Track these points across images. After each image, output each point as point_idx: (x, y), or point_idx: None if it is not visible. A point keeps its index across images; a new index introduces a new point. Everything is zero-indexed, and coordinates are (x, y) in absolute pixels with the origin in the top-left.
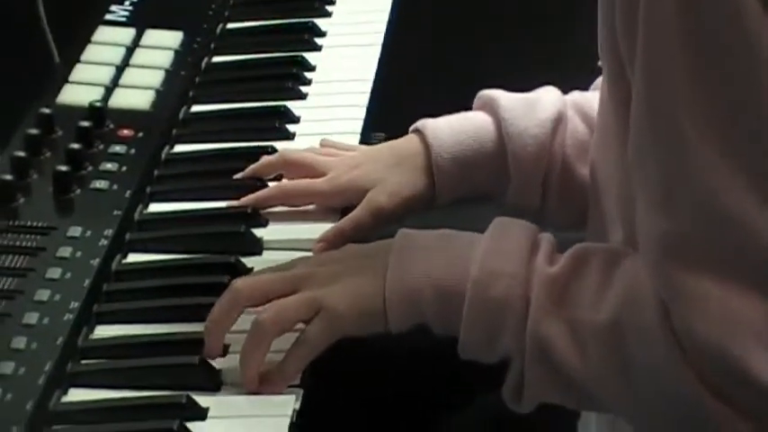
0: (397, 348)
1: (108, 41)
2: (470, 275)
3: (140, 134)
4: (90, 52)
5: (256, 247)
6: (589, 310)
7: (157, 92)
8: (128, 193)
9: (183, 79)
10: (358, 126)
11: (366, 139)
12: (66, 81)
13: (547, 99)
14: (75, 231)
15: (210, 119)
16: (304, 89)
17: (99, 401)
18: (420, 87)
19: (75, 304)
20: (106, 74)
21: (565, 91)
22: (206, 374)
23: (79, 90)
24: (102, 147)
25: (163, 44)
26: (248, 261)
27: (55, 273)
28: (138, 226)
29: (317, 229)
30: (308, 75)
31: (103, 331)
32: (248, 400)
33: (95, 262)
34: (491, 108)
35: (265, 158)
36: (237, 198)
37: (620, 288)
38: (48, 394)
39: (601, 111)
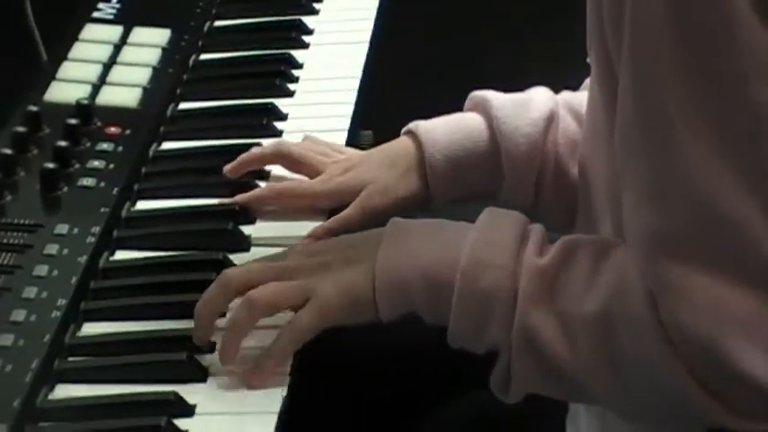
0: (387, 344)
1: (95, 39)
2: (459, 266)
3: (128, 131)
4: (77, 50)
5: (244, 244)
6: (578, 302)
7: (145, 89)
8: (115, 191)
9: (170, 77)
10: (345, 123)
11: (353, 136)
12: (54, 79)
13: (538, 98)
14: (63, 229)
15: (198, 116)
16: (291, 87)
17: (86, 398)
18: (407, 85)
19: (62, 301)
20: (94, 71)
21: (558, 91)
22: (194, 371)
23: (67, 88)
24: (89, 144)
25: (150, 42)
26: (236, 258)
27: (42, 270)
28: (125, 223)
29: (304, 227)
30: (295, 72)
31: (91, 328)
32: (236, 397)
33: (83, 259)
34: (483, 108)
35: (258, 149)
36: (225, 195)
37: (608, 279)
38: (35, 391)
39: (589, 108)
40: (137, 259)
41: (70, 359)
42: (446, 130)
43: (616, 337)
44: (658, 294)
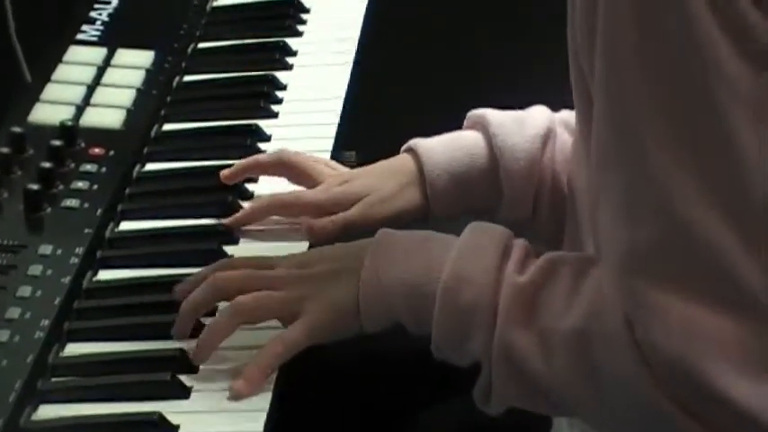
0: (375, 350)
1: (79, 61)
2: (441, 280)
3: (112, 153)
4: (61, 71)
5: None
6: (557, 319)
7: (129, 111)
8: (99, 212)
9: (154, 98)
10: (329, 144)
11: (336, 157)
12: (38, 100)
13: (536, 116)
14: (46, 249)
15: (182, 137)
16: (275, 108)
17: (70, 418)
18: (391, 106)
19: (45, 322)
20: (78, 93)
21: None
22: (177, 391)
23: (51, 109)
24: (73, 165)
25: (134, 63)
26: None
27: (26, 291)
28: (109, 244)
29: (288, 247)
30: (279, 94)
31: (74, 348)
32: (219, 417)
33: (66, 280)
34: (481, 126)
35: (258, 156)
36: (209, 216)
37: (587, 297)
38: (18, 411)
39: (575, 126)
40: (120, 280)
41: (54, 379)
42: (446, 148)
43: (593, 354)
44: (633, 314)
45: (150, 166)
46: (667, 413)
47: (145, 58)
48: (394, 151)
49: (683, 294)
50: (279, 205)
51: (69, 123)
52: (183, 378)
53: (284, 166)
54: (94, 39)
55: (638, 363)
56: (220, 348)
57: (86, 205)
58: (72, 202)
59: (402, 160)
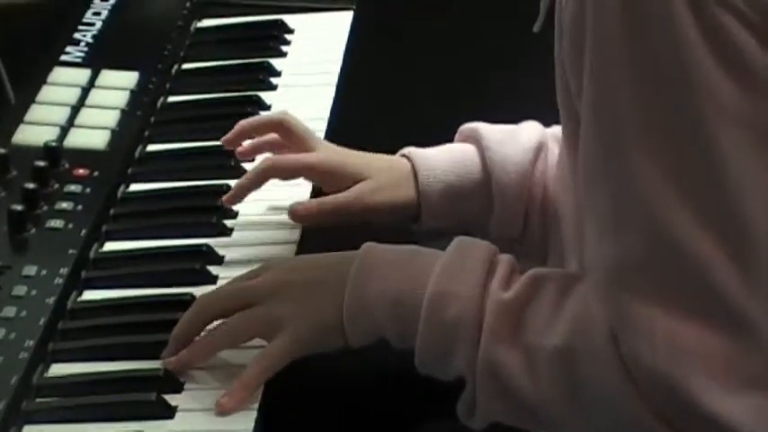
0: (361, 367)
1: (64, 82)
2: (426, 295)
3: (96, 173)
4: (45, 93)
5: (212, 283)
6: (541, 336)
7: (113, 132)
8: (83, 232)
9: (138, 119)
10: None
11: None
12: (22, 121)
13: (528, 130)
14: (31, 270)
15: (166, 158)
16: None
17: None
18: (376, 127)
19: (30, 342)
20: (62, 114)
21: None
22: (162, 411)
23: (35, 130)
24: (57, 186)
25: (118, 84)
26: None
27: (10, 311)
28: (93, 264)
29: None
30: (263, 114)
31: (59, 369)
32: None
33: (51, 300)
34: (474, 139)
35: (261, 116)
36: (194, 236)
37: (571, 314)
38: None
39: (561, 145)
40: (104, 300)
41: (38, 400)
42: (440, 158)
43: (578, 371)
44: (618, 330)
45: (134, 187)
46: (652, 429)
47: (129, 79)
48: None
49: (669, 310)
50: (272, 167)
51: (53, 144)
52: (168, 398)
53: (281, 126)
54: (79, 60)
55: (623, 379)
56: (205, 368)
57: (71, 226)
58: (56, 223)
59: (399, 160)
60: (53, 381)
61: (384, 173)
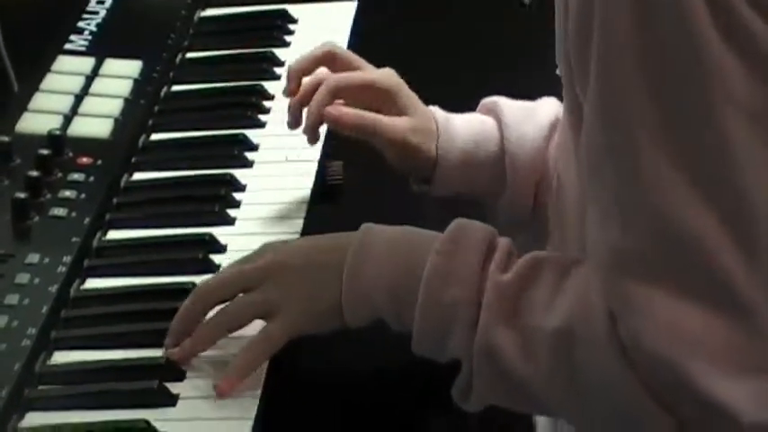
0: (361, 356)
1: (67, 70)
2: (424, 276)
3: (99, 162)
4: (49, 81)
5: (214, 272)
6: (540, 318)
7: (116, 120)
8: (86, 221)
9: (142, 108)
10: (316, 154)
11: (324, 167)
12: (26, 109)
13: (545, 107)
14: (34, 258)
15: (169, 147)
16: (262, 117)
17: (56, 426)
18: None
19: (32, 330)
20: (65, 102)
21: None
22: (164, 399)
23: (38, 118)
24: (60, 174)
25: (122, 73)
26: None
27: (13, 299)
28: (96, 253)
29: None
30: (266, 103)
31: (61, 357)
32: (206, 425)
33: (53, 288)
34: (494, 113)
35: (306, 54)
36: (197, 225)
37: (571, 297)
38: (5, 419)
39: (561, 128)
40: (107, 288)
41: (40, 387)
42: (462, 125)
43: (576, 354)
44: (619, 313)
45: (138, 176)
46: (650, 413)
47: (133, 67)
48: (382, 162)
49: (671, 294)
50: (336, 85)
51: (57, 132)
52: (170, 386)
53: (330, 56)
54: (83, 48)
55: (621, 363)
56: (206, 356)
57: (74, 214)
58: (59, 211)
59: (432, 116)
60: (55, 368)
61: (426, 120)
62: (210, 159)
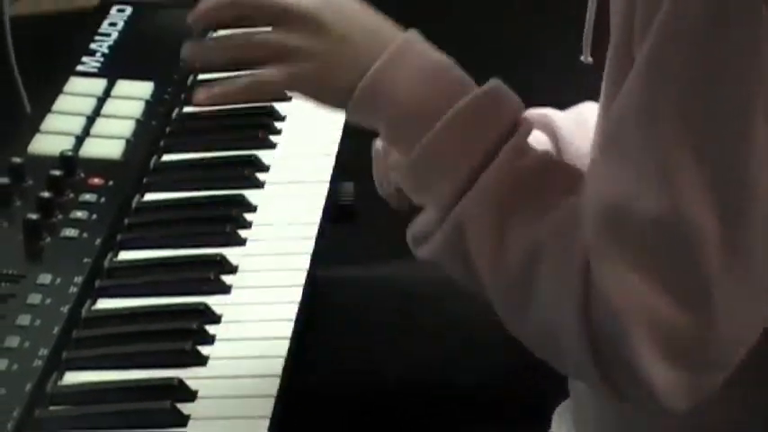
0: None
1: (79, 92)
2: (445, 116)
3: (111, 183)
4: (61, 102)
5: (226, 293)
6: (526, 221)
7: (128, 141)
8: (98, 241)
9: (153, 129)
10: (327, 175)
11: (333, 187)
12: (38, 131)
13: (588, 115)
14: (45, 279)
15: (181, 168)
16: (274, 138)
17: None
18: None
19: (44, 351)
20: (77, 124)
21: None
22: (176, 419)
23: (50, 140)
24: (72, 195)
25: (134, 95)
26: (217, 307)
27: (25, 320)
28: (108, 273)
29: (285, 277)
30: (277, 125)
31: (73, 378)
32: None
33: (65, 309)
34: (549, 129)
35: None
36: (207, 245)
37: (561, 215)
38: None
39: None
40: (118, 309)
41: (52, 408)
42: None
43: (541, 270)
44: (595, 263)
45: (149, 197)
46: (581, 361)
47: (144, 89)
48: None
49: (648, 271)
50: None
51: (69, 154)
52: (182, 406)
53: None
54: (94, 70)
55: (578, 298)
56: (219, 377)
57: (85, 235)
58: (71, 232)
59: None
60: (67, 389)
61: None
62: (222, 180)
